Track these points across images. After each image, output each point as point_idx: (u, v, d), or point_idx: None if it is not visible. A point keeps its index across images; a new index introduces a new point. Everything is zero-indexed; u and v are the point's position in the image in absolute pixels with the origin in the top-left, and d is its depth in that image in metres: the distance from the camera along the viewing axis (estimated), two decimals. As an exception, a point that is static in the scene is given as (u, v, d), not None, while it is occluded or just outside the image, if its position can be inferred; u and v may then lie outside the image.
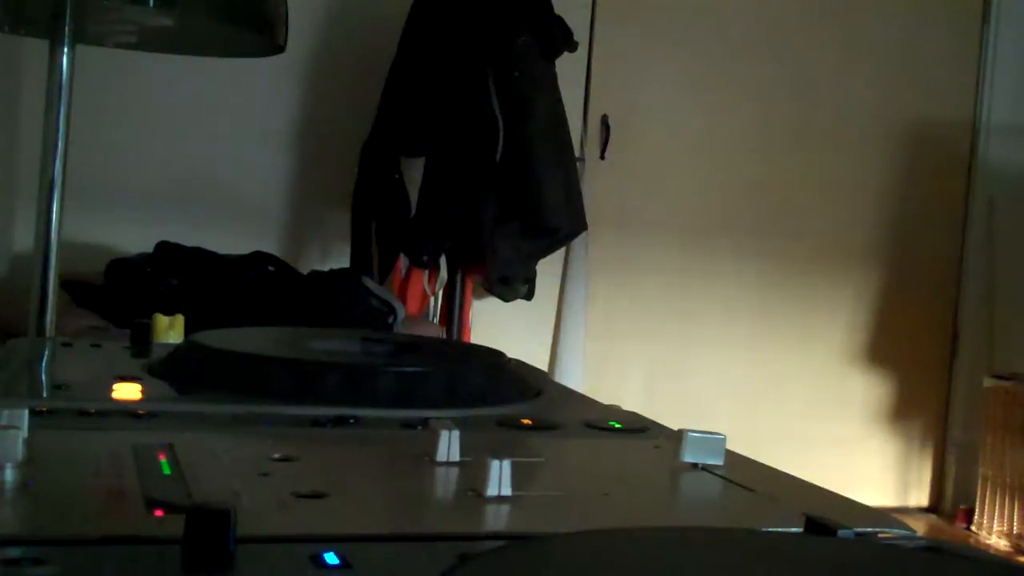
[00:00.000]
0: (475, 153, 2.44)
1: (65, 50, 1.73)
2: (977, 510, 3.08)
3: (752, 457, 0.76)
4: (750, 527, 0.60)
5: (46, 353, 1.13)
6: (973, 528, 3.11)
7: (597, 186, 3.01)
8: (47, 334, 1.73)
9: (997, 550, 2.91)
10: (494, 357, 1.02)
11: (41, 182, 1.75)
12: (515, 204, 2.47)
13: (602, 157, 3.08)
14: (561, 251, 2.87)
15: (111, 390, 0.85)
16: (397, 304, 2.21)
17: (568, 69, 2.70)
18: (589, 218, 2.65)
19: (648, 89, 3.14)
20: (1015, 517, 2.95)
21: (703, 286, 3.21)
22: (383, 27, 2.67)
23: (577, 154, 2.73)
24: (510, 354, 1.03)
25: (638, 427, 0.86)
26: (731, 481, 0.69)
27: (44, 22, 1.77)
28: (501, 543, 0.51)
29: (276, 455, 0.67)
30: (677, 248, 3.18)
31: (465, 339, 2.71)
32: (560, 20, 2.55)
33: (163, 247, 2.28)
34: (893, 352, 3.38)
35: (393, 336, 1.61)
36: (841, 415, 3.36)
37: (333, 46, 2.81)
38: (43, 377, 1.02)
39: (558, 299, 3.06)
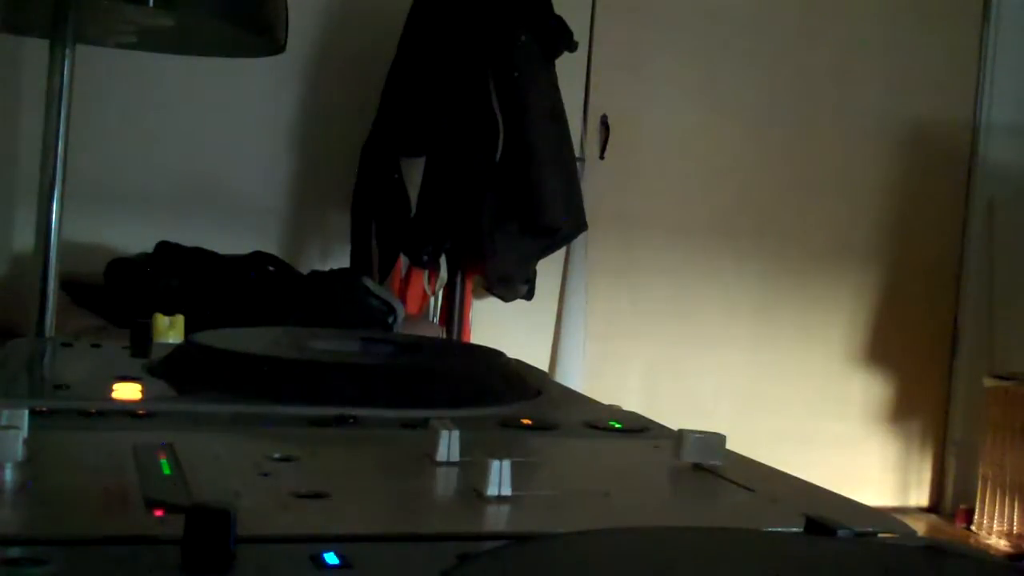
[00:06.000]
0: (475, 153, 2.44)
1: (65, 50, 1.73)
2: (977, 510, 3.08)
3: (752, 457, 0.76)
4: (750, 527, 0.60)
5: (46, 353, 1.13)
6: (973, 528, 3.11)
7: (597, 186, 3.01)
8: (47, 334, 1.73)
9: (997, 550, 2.91)
10: (494, 357, 1.02)
11: (41, 182, 1.75)
12: (515, 204, 2.47)
13: (602, 157, 3.08)
14: (561, 251, 2.87)
15: (111, 390, 0.85)
16: (397, 304, 2.21)
17: (568, 69, 2.70)
18: (589, 218, 2.65)
19: (648, 89, 3.13)
20: (1015, 517, 2.95)
21: (703, 286, 3.21)
22: (383, 27, 2.67)
23: (577, 154, 2.73)
24: (510, 354, 1.03)
25: (638, 427, 0.86)
26: (731, 481, 0.69)
27: (44, 22, 1.77)
28: (501, 543, 0.51)
29: (276, 455, 0.67)
30: (677, 248, 3.18)
31: (465, 339, 2.71)
32: (560, 20, 2.54)
33: (163, 247, 2.28)
34: (893, 352, 3.38)
35: (393, 336, 1.62)
36: (841, 415, 3.35)
37: (333, 46, 2.81)
38: (43, 377, 1.02)
39: (558, 299, 3.06)
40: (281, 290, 2.18)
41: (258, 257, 2.31)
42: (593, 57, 3.06)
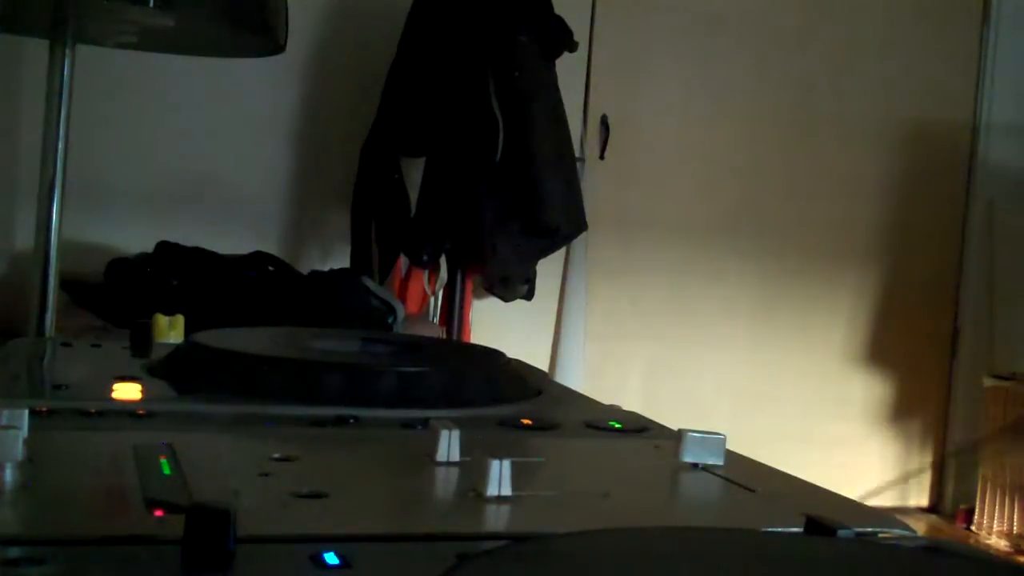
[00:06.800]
0: (475, 153, 2.44)
1: (65, 50, 1.73)
2: (977, 510, 3.08)
3: (752, 457, 0.76)
4: (750, 527, 0.59)
5: (46, 353, 1.13)
6: (973, 528, 3.11)
7: (597, 186, 3.01)
8: (47, 334, 1.73)
9: (997, 550, 2.91)
10: (494, 357, 1.02)
11: (41, 182, 1.75)
12: (515, 204, 2.47)
13: (602, 157, 3.08)
14: (561, 251, 2.87)
15: (111, 390, 0.85)
16: (397, 304, 2.21)
17: (568, 69, 2.70)
18: (589, 218, 2.65)
19: (648, 89, 3.13)
20: (1015, 517, 2.95)
21: (703, 286, 3.21)
22: (383, 27, 2.67)
23: (577, 154, 2.73)
24: (510, 354, 1.03)
25: (638, 427, 0.86)
26: (731, 481, 0.69)
27: (44, 22, 1.77)
28: (501, 543, 0.51)
29: (276, 455, 0.67)
30: (677, 248, 3.18)
31: (465, 339, 2.71)
32: (560, 20, 2.54)
33: (163, 247, 2.28)
34: (893, 352, 3.38)
35: (393, 336, 1.61)
36: (841, 415, 3.35)
37: (333, 46, 2.81)
38: (43, 377, 1.02)
39: (558, 299, 3.06)
40: (281, 290, 2.18)
41: (258, 257, 2.31)
42: (593, 57, 3.06)
